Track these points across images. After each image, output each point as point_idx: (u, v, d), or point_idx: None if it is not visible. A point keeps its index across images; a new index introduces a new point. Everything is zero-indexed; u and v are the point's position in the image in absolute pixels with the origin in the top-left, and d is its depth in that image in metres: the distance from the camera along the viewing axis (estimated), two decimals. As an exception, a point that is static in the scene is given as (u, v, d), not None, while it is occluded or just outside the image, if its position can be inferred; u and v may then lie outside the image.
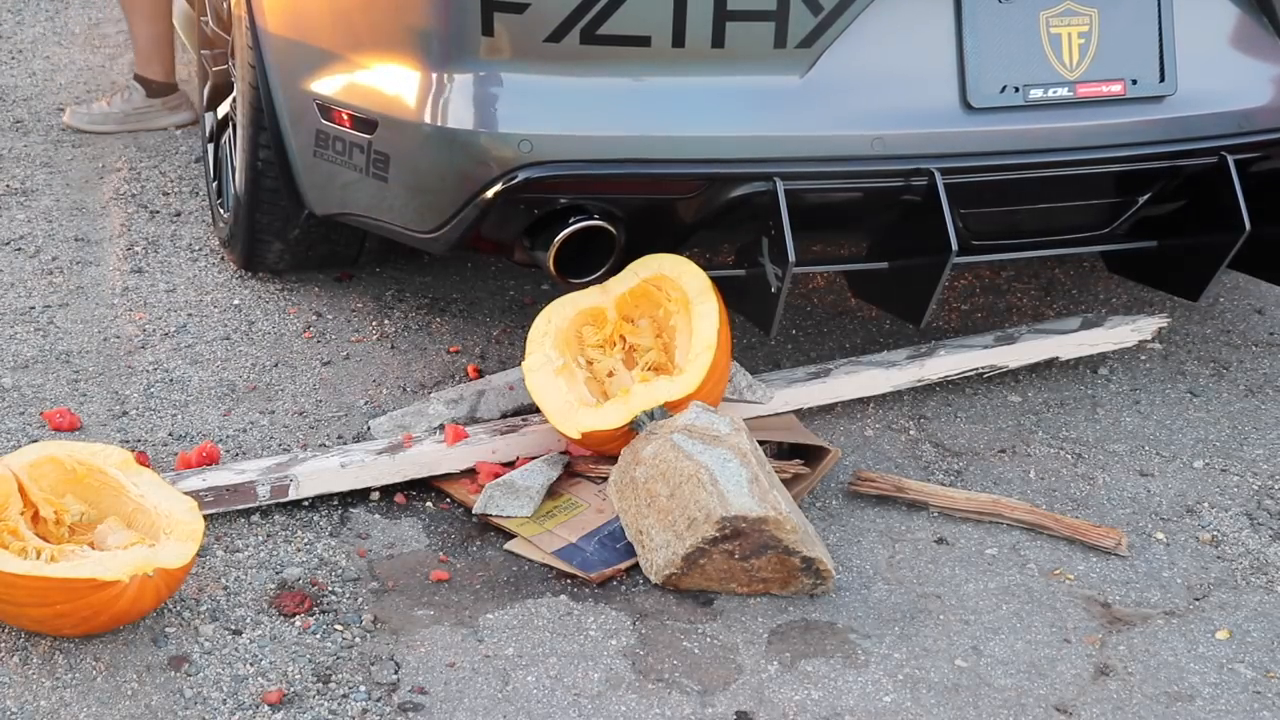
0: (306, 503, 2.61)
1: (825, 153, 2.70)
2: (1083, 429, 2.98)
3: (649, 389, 2.63)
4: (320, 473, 2.59)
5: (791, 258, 2.65)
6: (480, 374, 3.07)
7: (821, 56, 2.66)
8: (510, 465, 2.68)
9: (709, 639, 2.33)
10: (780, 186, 2.66)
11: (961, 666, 2.30)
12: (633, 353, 2.78)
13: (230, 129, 3.41)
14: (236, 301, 3.35)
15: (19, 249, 3.57)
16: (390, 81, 2.71)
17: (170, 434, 2.83)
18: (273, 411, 2.93)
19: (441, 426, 2.74)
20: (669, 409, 2.59)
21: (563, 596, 2.41)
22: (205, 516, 2.42)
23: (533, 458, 2.68)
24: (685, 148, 2.65)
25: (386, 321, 3.30)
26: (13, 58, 4.91)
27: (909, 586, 2.48)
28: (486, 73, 2.60)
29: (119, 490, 2.36)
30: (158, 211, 3.81)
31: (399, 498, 2.65)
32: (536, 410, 2.73)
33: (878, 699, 2.22)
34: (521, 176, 2.60)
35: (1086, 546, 2.61)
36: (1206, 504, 2.75)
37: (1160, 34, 2.81)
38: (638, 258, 2.80)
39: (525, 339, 2.77)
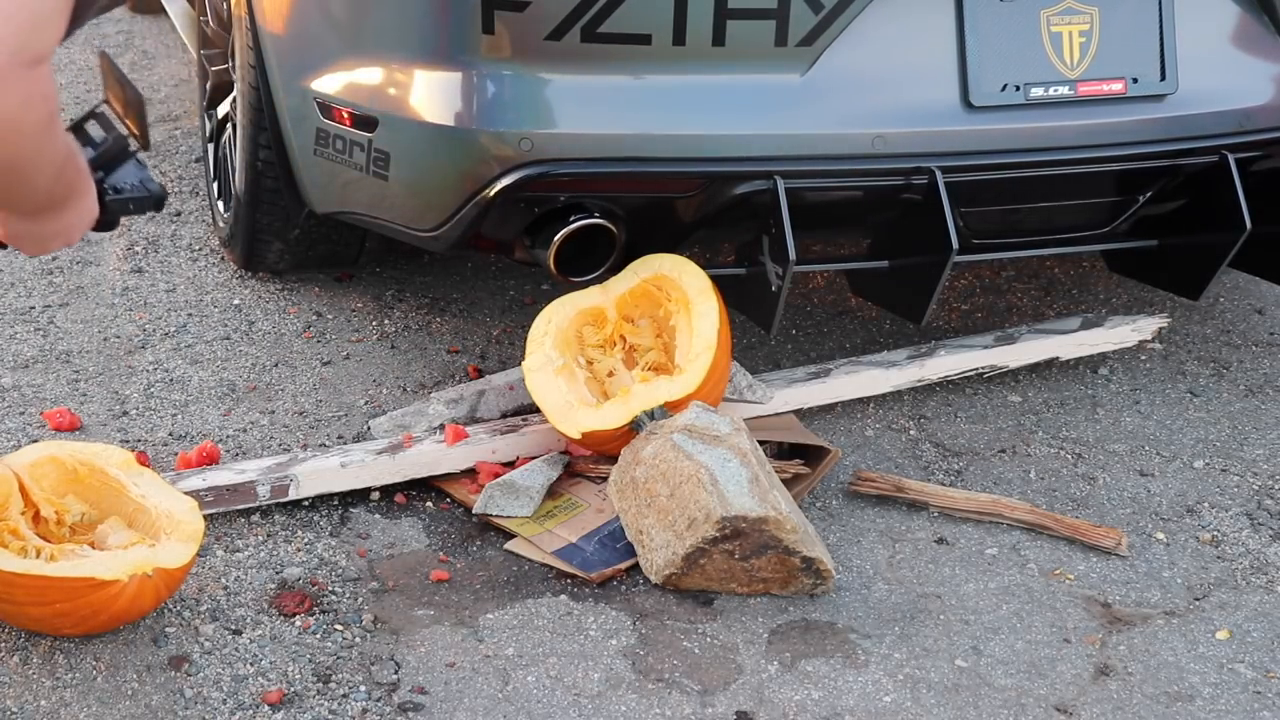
0: (306, 503, 2.61)
1: (826, 151, 2.70)
2: (1083, 429, 2.98)
3: (649, 389, 2.63)
4: (320, 473, 2.59)
5: (792, 256, 2.65)
6: (480, 374, 3.07)
7: (822, 55, 2.66)
8: (510, 465, 2.68)
9: (709, 639, 2.33)
10: (781, 185, 2.66)
11: (961, 666, 2.29)
12: (633, 353, 2.78)
13: (230, 129, 3.41)
14: (236, 301, 3.35)
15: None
16: (391, 80, 2.71)
17: (170, 434, 2.83)
18: (273, 411, 2.93)
19: (441, 426, 2.74)
20: (669, 409, 2.59)
21: (563, 596, 2.41)
22: (205, 516, 2.41)
23: (533, 458, 2.68)
24: (686, 146, 2.65)
25: (386, 321, 3.30)
26: (12, 58, 4.90)
27: (909, 586, 2.48)
28: (487, 71, 2.60)
29: (120, 490, 2.36)
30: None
31: (399, 498, 2.65)
32: (536, 410, 2.72)
33: (878, 699, 2.21)
34: (522, 175, 2.60)
35: (1087, 546, 2.60)
36: (1206, 504, 2.75)
37: (1161, 33, 2.81)
38: (638, 257, 2.80)
39: (525, 339, 2.77)
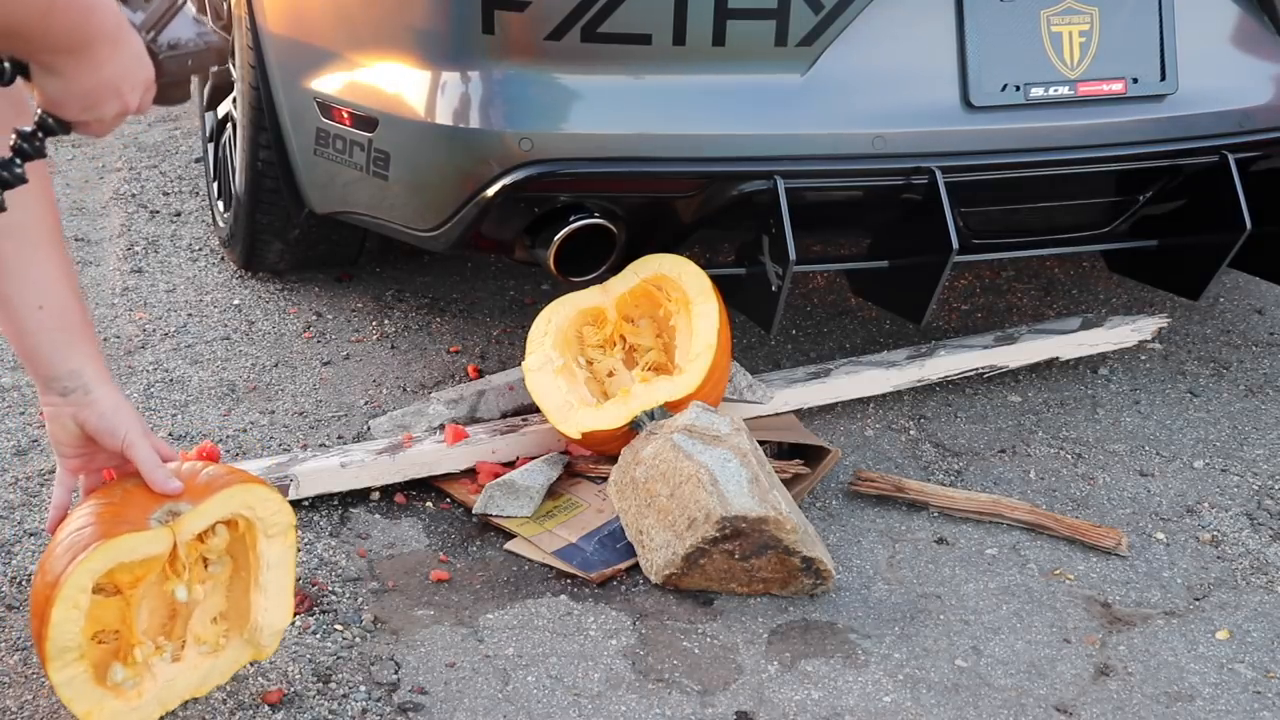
0: (306, 503, 2.61)
1: (826, 151, 2.70)
2: (1083, 429, 2.98)
3: (649, 389, 2.63)
4: (320, 473, 2.59)
5: (792, 256, 2.65)
6: (480, 374, 3.07)
7: (822, 55, 2.66)
8: (510, 465, 2.67)
9: (709, 639, 2.33)
10: (781, 185, 2.66)
11: (961, 666, 2.29)
12: (633, 353, 2.78)
13: (230, 129, 3.41)
14: (236, 301, 3.35)
15: (19, 249, 3.56)
16: (391, 80, 2.71)
17: (170, 434, 2.83)
18: (273, 411, 2.93)
19: (441, 426, 2.74)
20: (669, 409, 2.59)
21: (563, 596, 2.41)
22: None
23: (533, 458, 2.68)
24: (686, 146, 2.65)
25: (386, 321, 3.30)
26: (12, 58, 4.91)
27: (909, 586, 2.48)
28: (487, 71, 2.60)
29: (253, 564, 2.06)
30: (158, 211, 3.81)
31: (399, 498, 2.65)
32: (536, 410, 2.72)
33: (878, 699, 2.21)
34: (522, 175, 2.60)
35: (1087, 546, 2.60)
36: (1206, 504, 2.75)
37: (1161, 33, 2.81)
38: (638, 257, 2.80)
39: (525, 339, 2.77)
